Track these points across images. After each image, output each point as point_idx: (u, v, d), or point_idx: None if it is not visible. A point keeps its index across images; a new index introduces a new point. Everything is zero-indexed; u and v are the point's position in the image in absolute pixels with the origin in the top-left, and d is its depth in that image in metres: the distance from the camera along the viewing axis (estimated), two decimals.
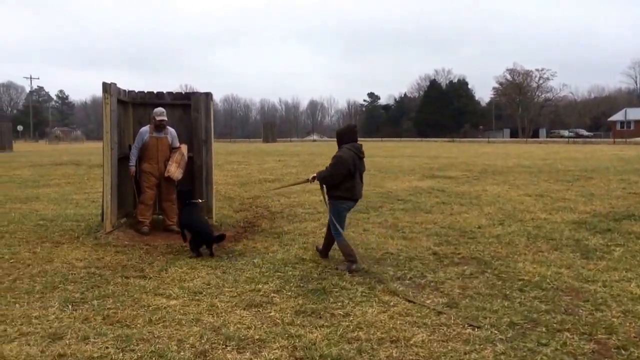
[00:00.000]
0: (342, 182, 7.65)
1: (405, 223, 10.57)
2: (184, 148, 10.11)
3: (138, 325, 5.46)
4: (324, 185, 7.90)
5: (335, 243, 7.89)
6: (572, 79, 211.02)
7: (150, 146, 9.79)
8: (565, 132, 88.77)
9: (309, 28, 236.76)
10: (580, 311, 5.84)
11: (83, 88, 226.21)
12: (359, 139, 8.01)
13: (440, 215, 11.31)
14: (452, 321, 5.53)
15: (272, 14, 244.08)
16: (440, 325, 5.42)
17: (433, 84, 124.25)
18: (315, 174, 7.95)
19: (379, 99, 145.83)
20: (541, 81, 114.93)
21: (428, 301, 6.15)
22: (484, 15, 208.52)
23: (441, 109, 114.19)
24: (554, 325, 5.44)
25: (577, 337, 5.14)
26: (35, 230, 9.99)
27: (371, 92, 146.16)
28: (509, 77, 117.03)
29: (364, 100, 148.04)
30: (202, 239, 8.40)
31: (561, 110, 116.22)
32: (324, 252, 8.18)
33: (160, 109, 9.77)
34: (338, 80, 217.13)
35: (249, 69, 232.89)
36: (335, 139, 8.22)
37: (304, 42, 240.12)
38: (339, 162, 7.58)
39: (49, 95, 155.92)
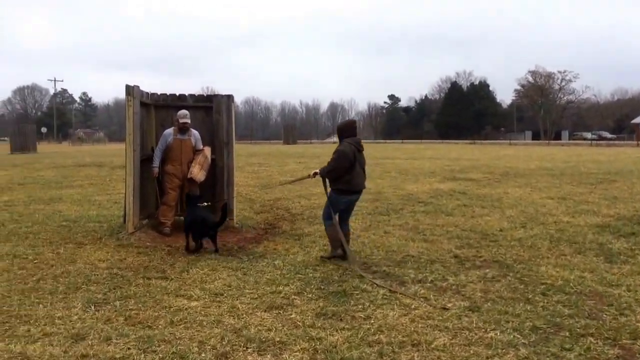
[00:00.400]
0: (342, 175, 7.94)
1: (426, 225, 10.54)
2: (208, 151, 10.16)
3: (160, 326, 5.49)
4: (327, 180, 8.22)
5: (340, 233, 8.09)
6: (595, 81, 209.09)
7: (174, 148, 9.85)
8: (588, 135, 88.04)
9: (329, 30, 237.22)
10: (604, 316, 5.78)
11: (106, 90, 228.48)
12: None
13: (461, 218, 11.27)
14: (474, 325, 5.50)
15: (293, 16, 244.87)
16: (462, 329, 5.39)
17: (454, 86, 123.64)
18: (317, 170, 8.25)
19: (400, 100, 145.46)
20: (563, 83, 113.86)
21: (449, 304, 6.12)
22: (506, 16, 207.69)
23: (462, 111, 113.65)
24: (578, 329, 5.39)
25: (601, 342, 5.10)
26: (58, 231, 10.08)
27: (392, 94, 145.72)
28: (530, 79, 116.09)
29: (385, 102, 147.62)
30: (203, 227, 8.66)
31: (584, 113, 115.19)
32: (344, 254, 8.20)
33: (184, 112, 9.83)
34: (358, 82, 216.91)
35: (270, 71, 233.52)
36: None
37: (324, 44, 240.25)
38: (341, 156, 7.92)
39: (73, 97, 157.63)
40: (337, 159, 7.94)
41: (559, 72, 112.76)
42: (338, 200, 8.12)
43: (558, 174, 19.76)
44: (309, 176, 8.70)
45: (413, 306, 6.08)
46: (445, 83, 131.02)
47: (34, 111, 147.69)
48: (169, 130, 9.95)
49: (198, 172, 9.72)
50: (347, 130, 8.29)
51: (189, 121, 9.85)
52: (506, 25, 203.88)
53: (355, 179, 8.08)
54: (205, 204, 9.47)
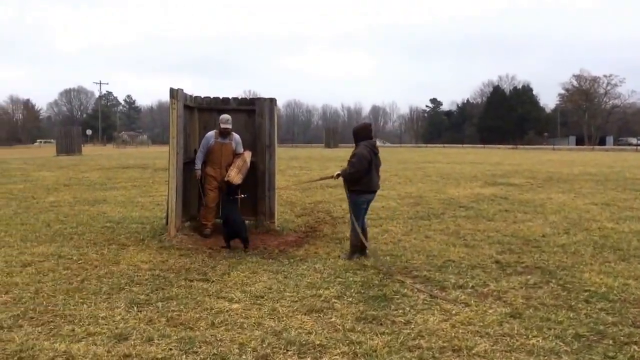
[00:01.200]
0: (362, 177, 8.23)
1: (467, 230, 10.47)
2: (247, 155, 10.24)
3: (201, 327, 5.53)
4: (345, 181, 8.56)
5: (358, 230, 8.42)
6: None
7: (215, 151, 9.96)
8: (634, 140, 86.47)
9: (372, 33, 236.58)
10: None
11: (149, 93, 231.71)
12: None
13: (503, 223, 11.17)
14: (516, 331, 5.44)
15: (335, 19, 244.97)
16: (504, 335, 5.34)
17: (496, 90, 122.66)
18: (339, 172, 8.58)
19: (441, 104, 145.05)
20: (609, 87, 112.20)
21: (490, 310, 6.07)
22: (550, 20, 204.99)
23: (504, 116, 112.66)
24: (621, 338, 5.29)
25: None
26: (102, 232, 10.26)
27: (433, 98, 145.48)
28: (575, 83, 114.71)
29: (426, 106, 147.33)
30: (234, 232, 9.11)
31: (629, 118, 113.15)
32: (363, 249, 8.49)
33: (226, 117, 9.93)
34: (400, 85, 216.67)
35: (312, 74, 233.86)
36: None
37: (366, 47, 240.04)
38: (361, 159, 8.22)
39: (117, 100, 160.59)
40: (357, 162, 8.21)
41: (605, 76, 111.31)
42: (358, 200, 8.45)
43: (602, 180, 19.49)
44: (332, 177, 9.05)
45: (454, 311, 6.03)
46: (487, 87, 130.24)
47: (79, 113, 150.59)
48: (211, 133, 10.06)
49: (235, 176, 9.80)
50: (363, 133, 8.55)
51: (230, 126, 9.94)
52: (551, 29, 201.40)
53: (373, 180, 8.44)
54: (242, 195, 9.66)
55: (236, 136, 10.17)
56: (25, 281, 7.08)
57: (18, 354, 4.85)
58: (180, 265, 8.00)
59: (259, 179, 10.53)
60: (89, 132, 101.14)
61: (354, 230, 8.42)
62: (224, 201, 9.81)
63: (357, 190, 8.39)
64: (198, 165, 10.04)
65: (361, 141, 8.42)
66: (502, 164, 29.96)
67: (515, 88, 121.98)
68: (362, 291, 6.76)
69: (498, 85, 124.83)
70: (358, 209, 8.47)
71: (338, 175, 8.62)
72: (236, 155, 10.12)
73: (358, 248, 8.45)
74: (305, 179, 20.13)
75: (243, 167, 10.01)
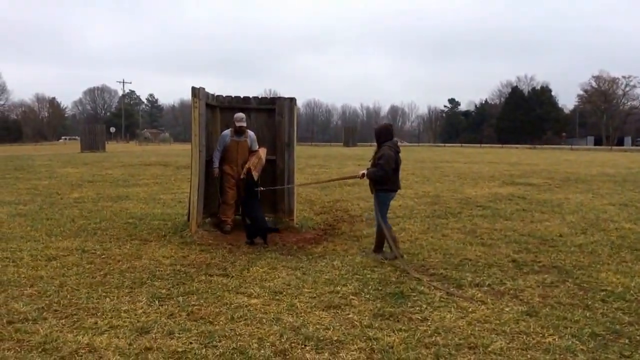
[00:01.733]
0: (390, 177, 8.45)
1: (484, 229, 10.50)
2: (262, 152, 10.34)
3: (220, 322, 5.62)
4: (371, 181, 8.65)
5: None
6: None
7: (231, 149, 10.11)
8: None
9: (391, 34, 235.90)
10: None
11: (171, 92, 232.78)
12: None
13: (520, 223, 11.18)
14: (532, 330, 5.48)
15: (355, 19, 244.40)
16: (520, 333, 5.38)
17: (515, 91, 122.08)
18: (364, 171, 8.66)
19: (460, 104, 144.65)
20: (627, 89, 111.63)
21: (506, 309, 6.11)
22: (569, 20, 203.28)
23: (522, 116, 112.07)
24: (638, 337, 5.32)
25: None
26: (125, 227, 10.40)
27: (452, 98, 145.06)
28: (594, 84, 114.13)
29: (445, 106, 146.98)
30: (257, 228, 9.33)
31: None
32: (377, 248, 8.64)
33: (240, 115, 10.07)
34: (419, 86, 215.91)
35: (332, 74, 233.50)
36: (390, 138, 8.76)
37: (386, 47, 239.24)
38: (389, 160, 8.36)
39: (140, 98, 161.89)
40: (385, 163, 8.31)
41: (624, 77, 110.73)
42: (386, 198, 8.59)
43: (620, 181, 19.38)
44: (356, 176, 9.16)
45: (470, 309, 6.08)
46: (505, 87, 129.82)
47: (103, 111, 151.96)
48: (226, 132, 10.21)
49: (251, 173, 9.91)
50: (385, 134, 8.67)
51: (244, 125, 10.09)
52: (570, 30, 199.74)
53: (398, 179, 8.73)
54: (262, 188, 9.82)
55: (251, 134, 10.31)
56: (50, 275, 7.21)
57: (42, 345, 4.96)
58: (200, 260, 8.11)
59: (278, 177, 10.63)
60: (112, 129, 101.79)
61: (389, 231, 8.49)
62: (245, 200, 9.98)
63: (385, 189, 8.51)
64: (215, 163, 10.18)
65: (384, 142, 8.53)
66: (520, 163, 29.82)
67: (533, 89, 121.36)
68: (380, 288, 6.82)
69: (516, 86, 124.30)
70: (385, 206, 8.61)
71: (363, 175, 8.67)
72: (251, 152, 10.24)
73: (395, 239, 8.53)
74: (324, 177, 20.17)
75: (258, 164, 10.12)
